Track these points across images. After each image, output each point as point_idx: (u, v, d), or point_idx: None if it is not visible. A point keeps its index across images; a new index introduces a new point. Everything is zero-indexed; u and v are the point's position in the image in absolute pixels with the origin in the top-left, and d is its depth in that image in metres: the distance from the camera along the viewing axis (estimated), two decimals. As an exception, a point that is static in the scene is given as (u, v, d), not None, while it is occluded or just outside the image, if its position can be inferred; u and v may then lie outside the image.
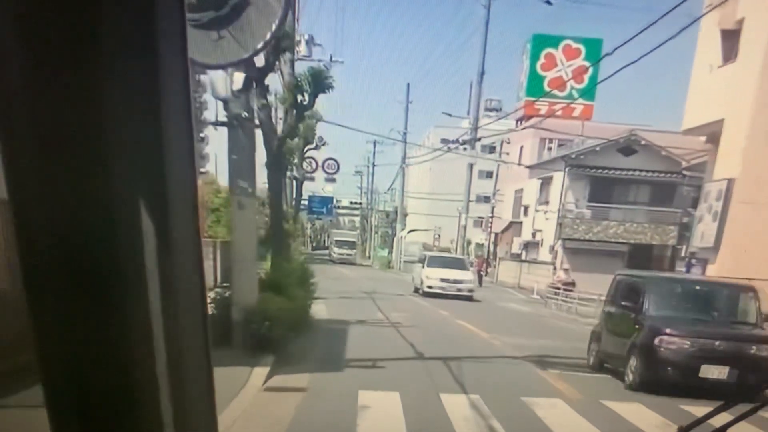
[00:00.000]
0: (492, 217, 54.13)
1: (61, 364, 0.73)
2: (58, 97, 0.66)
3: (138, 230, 0.70)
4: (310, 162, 37.91)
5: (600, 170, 35.09)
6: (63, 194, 0.68)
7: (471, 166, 35.87)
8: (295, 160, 24.08)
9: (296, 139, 21.94)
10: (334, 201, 74.04)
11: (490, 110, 69.88)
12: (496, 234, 52.33)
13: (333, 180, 44.58)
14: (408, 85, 50.43)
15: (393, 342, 14.58)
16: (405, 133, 49.93)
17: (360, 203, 75.06)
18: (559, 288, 27.57)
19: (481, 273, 37.39)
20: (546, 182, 38.45)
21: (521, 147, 51.73)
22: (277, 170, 15.68)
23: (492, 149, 62.57)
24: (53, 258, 0.70)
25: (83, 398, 0.73)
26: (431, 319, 20.30)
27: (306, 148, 25.59)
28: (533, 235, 40.02)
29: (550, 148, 52.23)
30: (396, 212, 55.63)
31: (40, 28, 0.64)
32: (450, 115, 43.72)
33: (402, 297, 27.65)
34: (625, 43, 14.66)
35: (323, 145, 28.35)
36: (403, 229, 52.51)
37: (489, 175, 65.94)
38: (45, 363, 0.72)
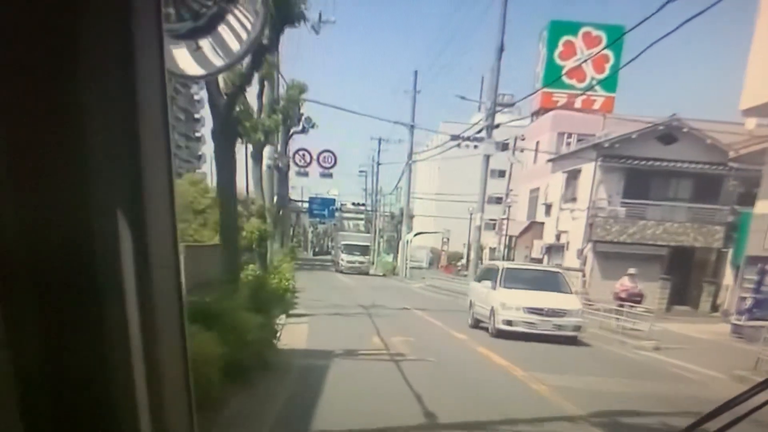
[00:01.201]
0: (507, 219, 49.46)
1: (36, 368, 0.72)
2: (36, 108, 0.67)
3: (115, 237, 0.71)
4: (303, 155, 33.32)
5: (636, 161, 30.23)
6: (40, 201, 0.69)
7: (487, 158, 30.99)
8: (276, 144, 19.42)
9: (274, 116, 17.27)
10: (337, 203, 69.63)
11: (502, 105, 65.73)
12: (511, 237, 47.73)
13: (329, 175, 39.44)
14: (416, 72, 44.98)
15: (394, 394, 9.74)
16: (412, 126, 45.18)
17: (364, 204, 70.10)
18: (624, 301, 20.69)
19: None
20: (573, 176, 33.56)
21: (537, 142, 47.52)
22: (226, 142, 10.97)
23: (505, 146, 58.11)
24: (28, 264, 0.70)
25: (58, 403, 0.74)
26: (442, 346, 15.57)
27: (290, 132, 20.94)
28: (557, 237, 35.18)
29: (569, 143, 48.15)
30: (402, 213, 50.84)
31: (19, 39, 0.66)
32: (464, 98, 38.82)
33: (407, 312, 22.93)
34: (646, 19, 13.27)
35: (312, 127, 23.65)
36: (409, 232, 47.69)
37: (501, 174, 61.31)
38: (19, 368, 0.72)
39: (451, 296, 32.03)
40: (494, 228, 56.44)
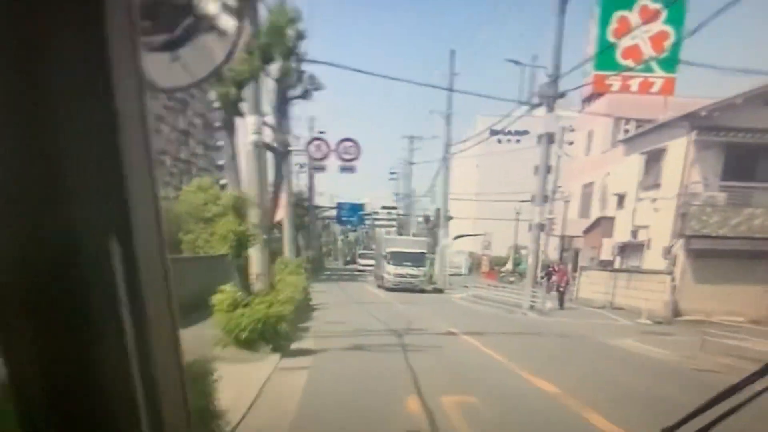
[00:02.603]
0: (550, 219, 43.18)
1: (31, 384, 0.73)
2: (14, 127, 0.67)
3: (103, 251, 0.71)
4: (319, 145, 27.27)
5: (741, 133, 23.67)
6: (25, 212, 0.69)
7: (550, 137, 24.62)
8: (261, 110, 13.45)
9: (250, 57, 11.33)
10: (367, 208, 63.78)
11: (538, 106, 59.63)
12: (563, 237, 41.49)
13: (351, 169, 32.06)
14: (452, 52, 38.61)
15: None
16: (449, 115, 38.98)
17: (395, 208, 63.69)
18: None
19: (562, 290, 26.16)
20: (655, 157, 26.92)
21: (590, 132, 42.40)
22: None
23: (550, 139, 51.94)
24: (18, 275, 0.70)
25: (54, 416, 0.74)
26: (529, 414, 9.43)
27: (286, 94, 14.99)
28: (634, 233, 28.64)
29: (626, 130, 42.23)
30: (438, 215, 44.58)
31: None
32: (517, 62, 32.26)
33: (454, 340, 16.92)
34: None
35: (315, 89, 17.51)
36: (446, 236, 41.33)
37: (546, 170, 55.16)
38: (15, 383, 0.73)
39: (503, 310, 25.79)
40: (543, 229, 50.35)
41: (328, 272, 57.01)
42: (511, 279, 45.77)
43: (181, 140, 62.11)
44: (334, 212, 66.51)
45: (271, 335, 12.47)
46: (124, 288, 0.72)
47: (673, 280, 23.22)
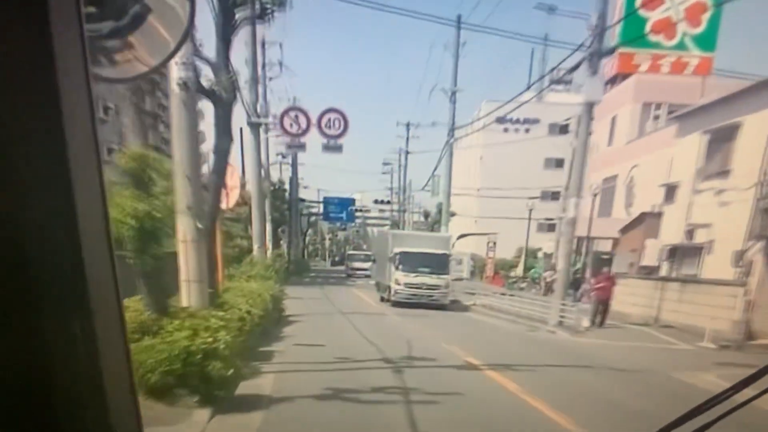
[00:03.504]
0: (561, 218, 38.70)
1: None
2: None
3: (48, 242, 0.71)
4: (296, 117, 22.42)
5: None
6: None
7: (590, 108, 19.71)
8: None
9: None
10: (356, 203, 59.16)
11: (558, 82, 55.37)
12: (580, 239, 37.20)
13: (337, 148, 26.21)
14: (459, 18, 33.89)
15: None
16: (454, 93, 34.15)
17: (389, 202, 58.72)
18: None
19: (607, 303, 21.24)
20: (723, 137, 21.92)
21: (614, 118, 38.43)
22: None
23: (564, 129, 47.48)
24: None
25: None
26: None
27: (235, 18, 10.21)
28: (689, 234, 23.86)
29: (657, 116, 38.40)
30: (440, 211, 39.83)
31: None
32: (550, 9, 27.64)
33: (481, 382, 12.31)
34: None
35: (279, 5, 12.47)
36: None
37: (558, 164, 50.81)
38: None
39: (524, 326, 21.18)
40: (552, 229, 45.91)
41: (313, 274, 52.12)
42: (522, 285, 41.15)
43: (148, 124, 57.19)
44: (321, 208, 61.67)
45: (198, 379, 7.78)
46: (69, 280, 0.71)
47: (746, 293, 18.55)
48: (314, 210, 63.70)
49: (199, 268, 10.01)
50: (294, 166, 49.08)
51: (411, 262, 26.10)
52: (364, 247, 79.43)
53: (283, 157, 51.92)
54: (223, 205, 13.28)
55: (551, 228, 47.30)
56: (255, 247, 22.49)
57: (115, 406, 0.80)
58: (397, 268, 26.36)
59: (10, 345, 0.72)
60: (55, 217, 0.70)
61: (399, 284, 26.25)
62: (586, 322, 20.27)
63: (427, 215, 47.91)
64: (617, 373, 13.02)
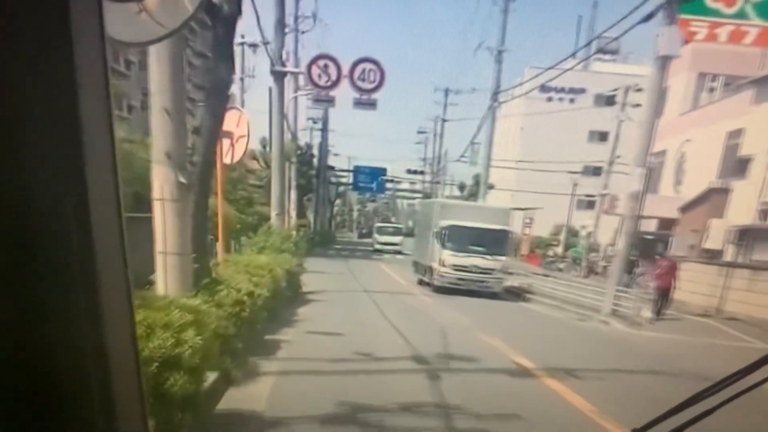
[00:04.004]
0: (603, 195, 36.08)
1: None
2: None
3: (60, 226, 0.70)
4: (325, 67, 19.85)
5: None
6: None
7: (666, 62, 17.03)
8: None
9: None
10: (387, 174, 56.70)
11: (605, 52, 52.46)
12: (639, 217, 34.66)
13: (371, 104, 23.25)
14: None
15: None
16: (501, 52, 31.29)
17: (422, 172, 55.90)
18: None
19: (668, 291, 18.57)
20: None
21: (665, 88, 34.66)
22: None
23: (611, 100, 44.43)
24: None
25: (4, 400, 0.73)
26: None
27: None
28: (763, 214, 21.11)
29: (712, 88, 35.79)
30: (477, 183, 37.26)
31: None
32: None
33: (533, 387, 9.85)
34: None
35: None
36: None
37: (602, 137, 47.78)
38: None
39: (572, 313, 18.75)
40: (591, 206, 43.17)
41: (338, 246, 49.81)
42: (560, 266, 38.55)
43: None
44: (350, 178, 59.17)
45: (153, 399, 5.51)
46: (77, 249, 0.69)
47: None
48: (343, 180, 61.38)
49: (181, 237, 7.71)
50: (324, 128, 46.56)
51: (461, 239, 21.72)
52: (393, 219, 76.92)
53: (314, 122, 49.58)
54: (227, 159, 10.93)
55: (590, 205, 44.67)
56: (273, 214, 20.14)
57: (121, 401, 0.78)
58: (443, 246, 21.89)
59: (16, 332, 0.69)
60: (63, 183, 0.68)
61: (444, 265, 21.82)
62: (646, 312, 17.67)
63: (462, 187, 45.01)
64: (705, 383, 10.57)
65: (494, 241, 21.87)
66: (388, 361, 9.78)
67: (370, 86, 20.57)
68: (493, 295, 21.55)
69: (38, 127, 0.66)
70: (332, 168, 53.99)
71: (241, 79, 33.14)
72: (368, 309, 15.75)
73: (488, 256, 21.80)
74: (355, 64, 20.19)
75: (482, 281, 21.86)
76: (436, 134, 51.77)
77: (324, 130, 46.63)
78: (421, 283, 24.28)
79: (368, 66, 20.22)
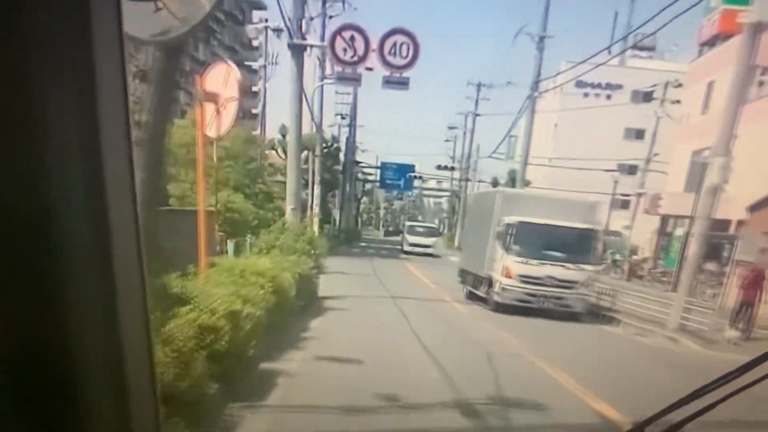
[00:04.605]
0: (639, 193, 33.01)
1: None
2: None
3: (77, 223, 0.69)
4: (351, 39, 16.70)
5: None
6: None
7: (757, 30, 13.90)
8: None
9: None
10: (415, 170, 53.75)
11: (641, 48, 49.62)
12: (664, 216, 32.12)
13: (402, 83, 19.40)
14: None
15: None
16: (542, 38, 27.95)
17: (453, 168, 52.37)
18: None
19: (752, 305, 15.10)
20: None
21: (709, 84, 31.93)
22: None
23: (647, 96, 41.15)
24: None
25: (20, 395, 0.71)
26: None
27: None
28: None
29: (761, 83, 32.54)
30: (512, 180, 34.11)
31: None
32: None
33: None
34: None
35: None
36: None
37: (639, 135, 44.50)
38: None
39: (627, 326, 15.49)
40: (626, 206, 40.08)
41: (364, 244, 46.65)
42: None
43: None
44: (377, 175, 56.15)
45: None
46: (94, 247, 0.68)
47: None
48: (370, 177, 58.49)
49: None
50: (352, 122, 43.53)
51: (534, 240, 15.98)
52: (420, 218, 73.73)
53: (343, 117, 46.60)
54: (211, 131, 7.90)
55: (624, 205, 41.65)
56: (288, 209, 16.98)
57: (135, 401, 0.76)
58: (507, 250, 16.10)
59: (31, 329, 0.68)
60: (81, 182, 0.66)
61: (510, 276, 15.97)
62: (731, 330, 14.29)
63: (495, 183, 41.35)
64: None
65: (578, 245, 16.10)
66: (421, 411, 6.78)
67: (403, 62, 17.23)
68: (571, 317, 15.98)
69: (57, 124, 0.64)
70: (359, 163, 51.02)
71: (264, 67, 30.33)
72: (396, 324, 12.74)
73: (569, 264, 16.03)
74: (385, 37, 16.95)
75: (560, 297, 16.02)
76: (466, 130, 48.56)
77: (351, 124, 43.65)
78: (471, 297, 18.37)
79: (400, 39, 16.87)
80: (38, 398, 0.71)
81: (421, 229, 44.08)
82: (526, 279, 15.91)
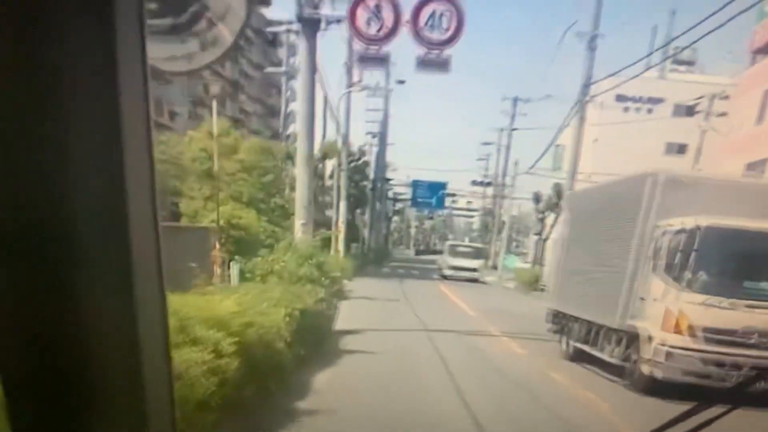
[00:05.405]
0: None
1: (18, 358, 0.71)
2: (17, 103, 0.64)
3: (96, 230, 0.69)
4: (376, 8, 12.63)
5: None
6: (18, 192, 0.66)
7: None
8: None
9: None
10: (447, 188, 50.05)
11: (680, 63, 46.48)
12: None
13: (442, 65, 13.81)
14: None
15: None
16: (594, 37, 23.99)
17: (489, 183, 48.06)
18: None
19: None
20: None
21: (765, 92, 29.34)
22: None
23: (690, 110, 37.33)
24: (5, 253, 0.67)
25: (40, 393, 0.71)
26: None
27: None
28: None
29: None
30: (557, 194, 30.23)
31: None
32: None
33: None
34: None
35: None
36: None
37: (681, 149, 40.60)
38: (3, 358, 0.71)
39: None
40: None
41: (394, 264, 42.94)
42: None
43: (227, 93, 48.98)
44: (409, 193, 52.59)
45: None
46: (115, 253, 0.68)
47: None
48: (402, 196, 55.05)
49: None
50: (382, 138, 39.92)
51: (730, 262, 8.75)
52: (450, 236, 69.95)
53: (373, 136, 43.04)
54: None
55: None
56: (297, 224, 13.13)
57: (152, 403, 0.76)
58: (680, 281, 8.57)
59: (51, 331, 0.68)
60: (105, 211, 0.67)
61: (682, 332, 8.48)
62: None
63: (537, 198, 36.22)
64: None
65: None
66: None
67: (442, 37, 13.09)
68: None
69: (80, 132, 0.65)
70: (389, 180, 47.40)
71: (286, 72, 27.11)
72: (432, 370, 9.08)
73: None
74: (420, 5, 12.79)
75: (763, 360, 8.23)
76: (499, 148, 44.52)
77: (382, 137, 40.14)
78: (579, 357, 11.16)
79: (440, 8, 12.78)
80: (59, 402, 0.69)
81: (464, 249, 37.22)
82: (716, 336, 8.43)
